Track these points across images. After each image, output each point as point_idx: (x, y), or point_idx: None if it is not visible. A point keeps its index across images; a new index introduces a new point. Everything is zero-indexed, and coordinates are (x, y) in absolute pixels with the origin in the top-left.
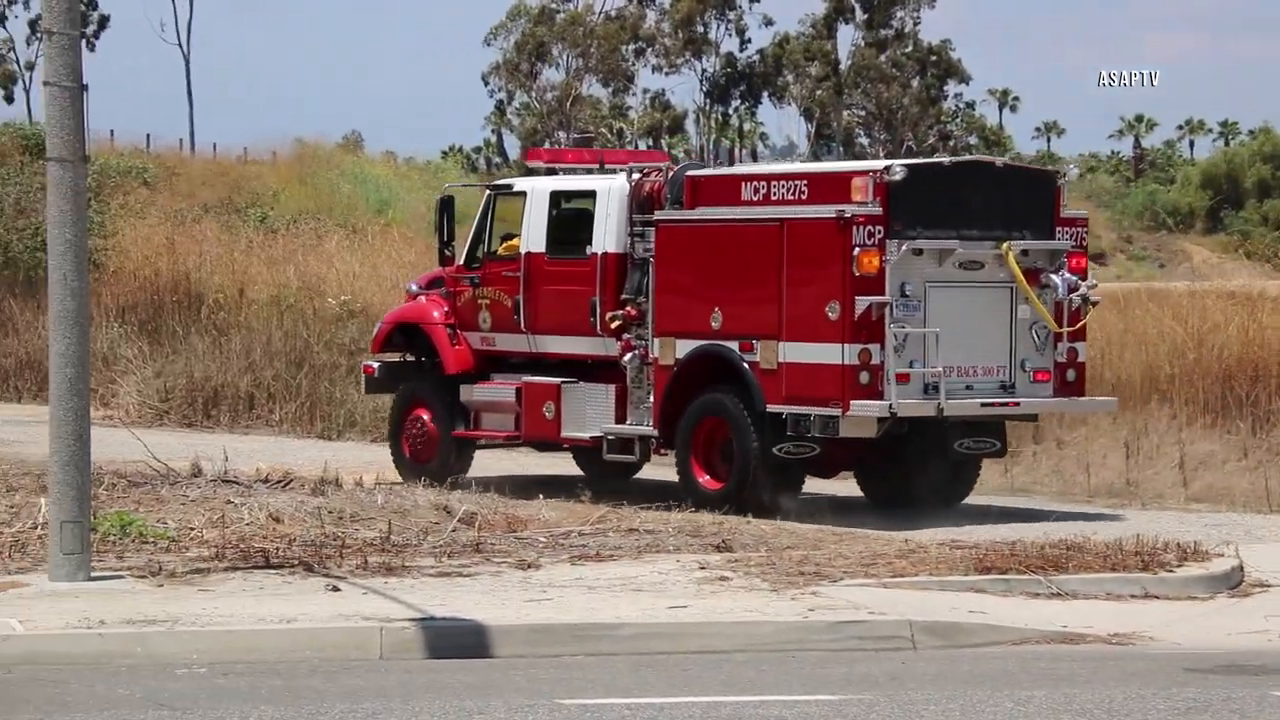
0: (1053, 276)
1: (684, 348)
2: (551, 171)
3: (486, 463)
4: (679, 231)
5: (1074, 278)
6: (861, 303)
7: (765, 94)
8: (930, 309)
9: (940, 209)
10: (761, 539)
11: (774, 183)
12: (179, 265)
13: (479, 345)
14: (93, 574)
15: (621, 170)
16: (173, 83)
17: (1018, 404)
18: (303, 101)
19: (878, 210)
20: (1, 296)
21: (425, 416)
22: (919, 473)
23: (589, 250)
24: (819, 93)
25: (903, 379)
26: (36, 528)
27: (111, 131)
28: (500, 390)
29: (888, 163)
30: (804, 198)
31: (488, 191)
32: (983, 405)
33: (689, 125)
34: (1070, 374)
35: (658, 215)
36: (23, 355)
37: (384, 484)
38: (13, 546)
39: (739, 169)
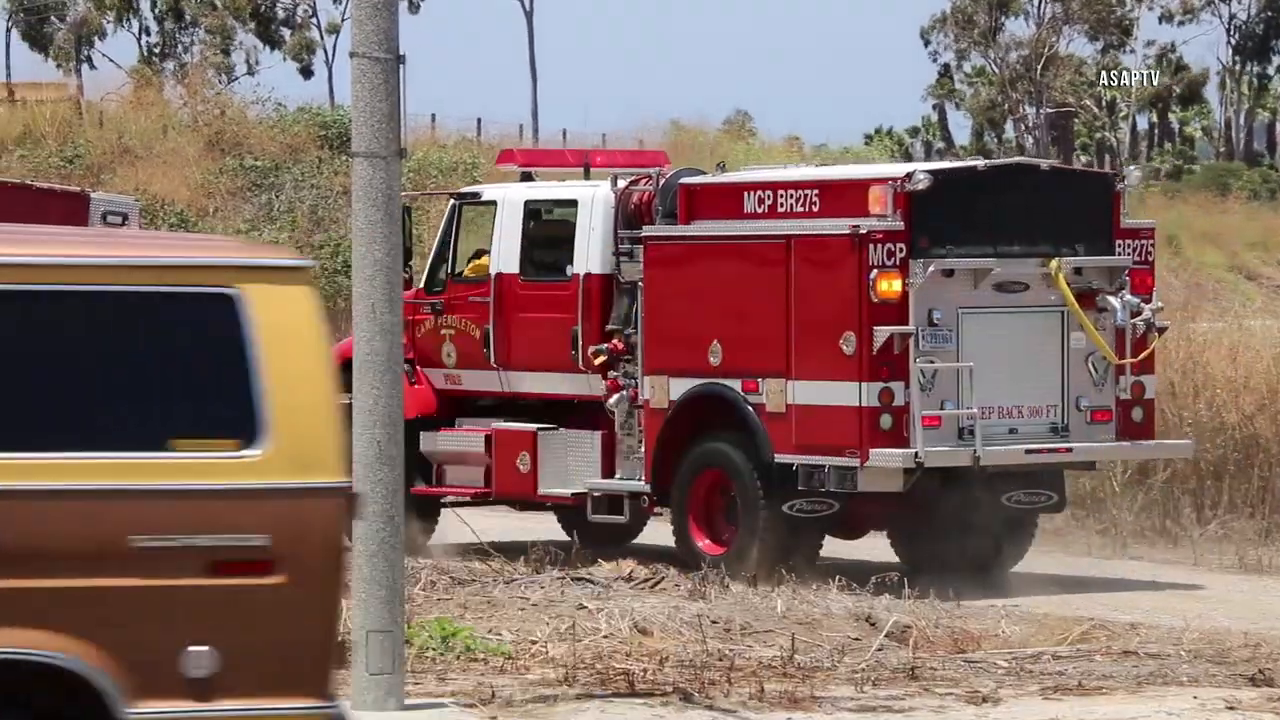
0: (1110, 299)
1: (679, 388)
2: (527, 177)
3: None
4: (671, 250)
5: (1136, 300)
6: (881, 333)
7: None
8: (964, 339)
9: (975, 222)
10: None
11: (780, 192)
12: None
13: (443, 384)
14: (407, 701)
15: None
16: (512, 52)
17: (1070, 450)
18: (676, 74)
19: (899, 225)
20: None
21: None
22: (961, 532)
23: (569, 271)
24: None
25: (932, 423)
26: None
27: (433, 116)
28: (467, 438)
29: (910, 168)
30: (815, 210)
31: (452, 201)
32: (1028, 452)
33: (1209, 92)
34: (1136, 413)
35: (646, 230)
36: None
37: (789, 584)
38: None
39: (739, 175)
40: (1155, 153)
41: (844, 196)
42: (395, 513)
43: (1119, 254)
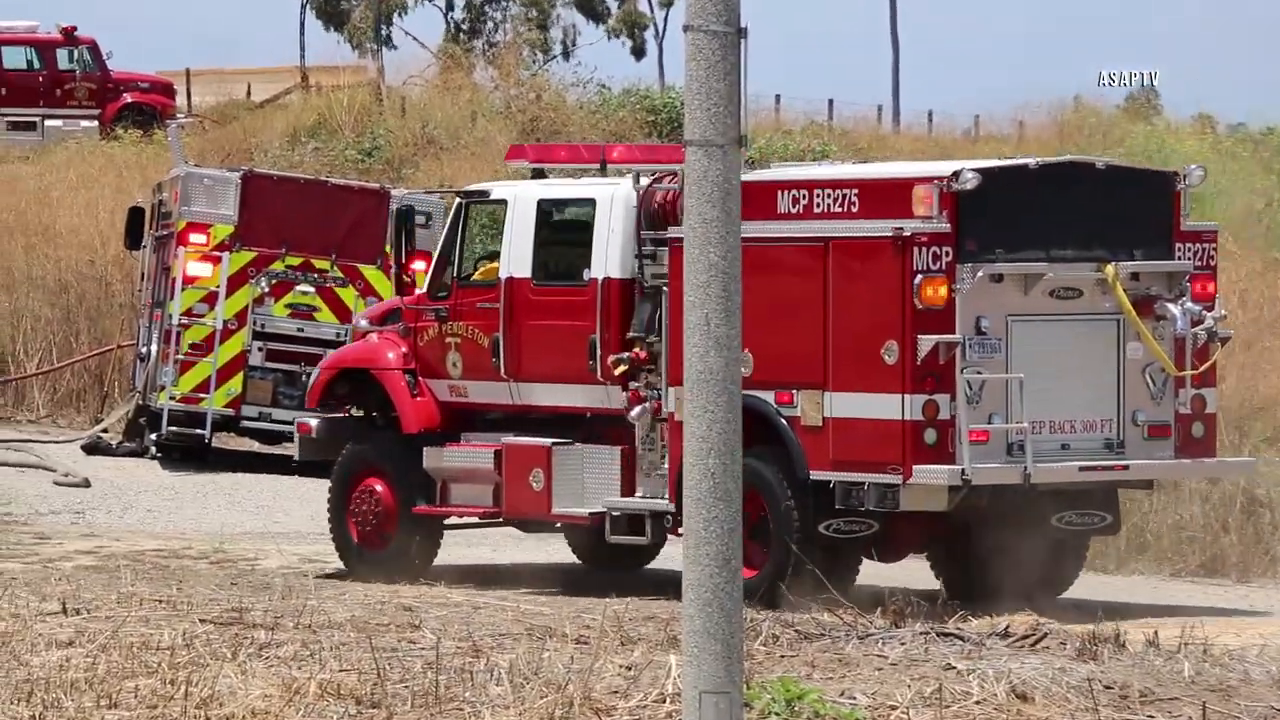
0: (1170, 306)
1: None
2: (540, 174)
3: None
4: None
5: (1197, 307)
6: (926, 342)
7: None
8: (1014, 349)
9: (1025, 224)
10: None
11: (817, 191)
12: None
13: (447, 396)
14: None
15: (628, 174)
16: (871, 23)
17: (1126, 467)
18: (1062, 47)
19: (945, 226)
20: None
21: (378, 488)
22: (1007, 555)
23: (586, 275)
24: None
25: (979, 437)
26: (665, 699)
27: (777, 98)
28: (475, 454)
29: (957, 166)
30: (854, 211)
31: (458, 200)
32: (1081, 469)
33: None
34: (1197, 428)
35: (672, 232)
36: None
37: (1191, 643)
38: None
39: (772, 173)
40: None
41: (886, 196)
42: (733, 556)
43: (1179, 258)
